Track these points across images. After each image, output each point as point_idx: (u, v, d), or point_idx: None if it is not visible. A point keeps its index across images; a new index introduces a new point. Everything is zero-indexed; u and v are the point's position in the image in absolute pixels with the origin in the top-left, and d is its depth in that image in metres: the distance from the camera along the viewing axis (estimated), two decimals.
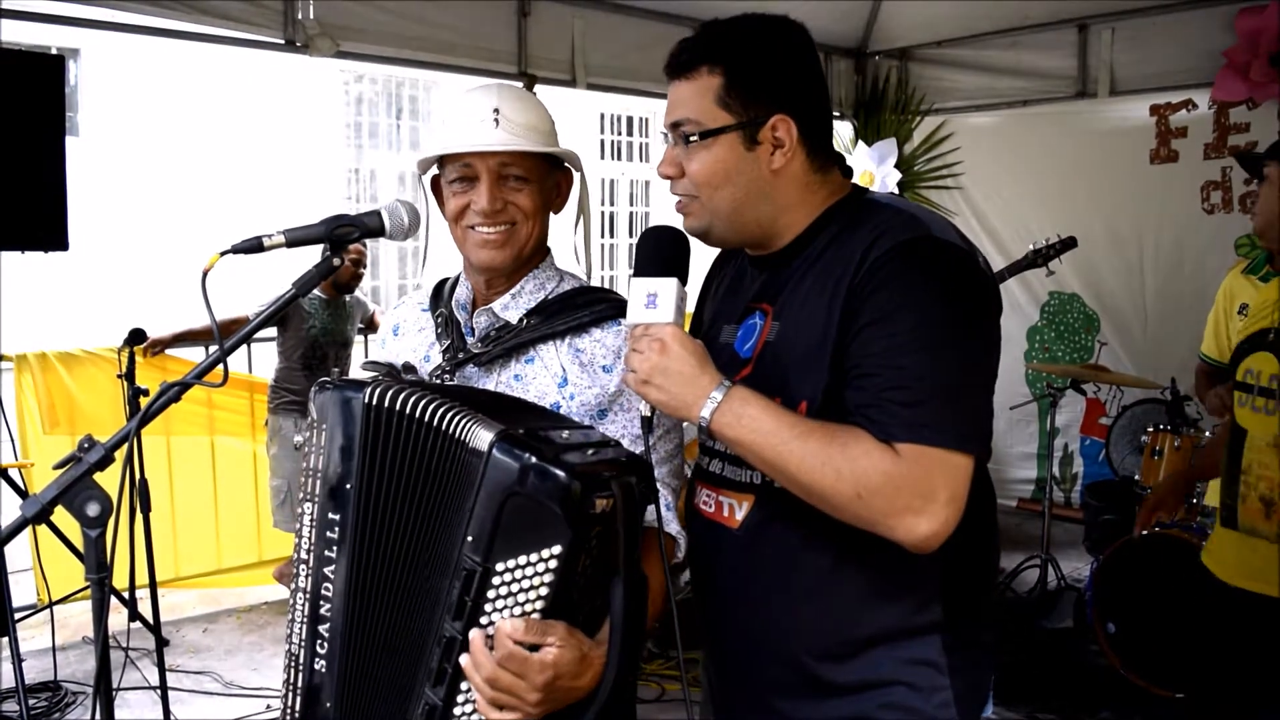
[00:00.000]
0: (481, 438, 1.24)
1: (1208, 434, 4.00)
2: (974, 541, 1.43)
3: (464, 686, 1.27)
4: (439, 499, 1.29)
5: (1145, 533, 3.89)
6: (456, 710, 1.29)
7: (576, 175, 1.66)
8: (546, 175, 1.59)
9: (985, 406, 1.36)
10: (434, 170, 1.63)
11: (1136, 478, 4.27)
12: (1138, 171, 5.53)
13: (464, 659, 1.25)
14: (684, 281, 1.42)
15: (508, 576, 1.22)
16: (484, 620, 1.24)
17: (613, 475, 1.24)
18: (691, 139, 1.43)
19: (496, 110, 1.52)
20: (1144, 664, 3.76)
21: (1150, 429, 4.25)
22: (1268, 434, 2.43)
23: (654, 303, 1.39)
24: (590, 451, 1.28)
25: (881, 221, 1.39)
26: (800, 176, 1.46)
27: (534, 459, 1.20)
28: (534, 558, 1.21)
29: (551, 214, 1.64)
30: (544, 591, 1.22)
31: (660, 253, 1.42)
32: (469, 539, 1.24)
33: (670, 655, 4.12)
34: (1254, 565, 2.45)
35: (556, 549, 1.20)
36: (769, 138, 1.42)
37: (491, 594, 1.23)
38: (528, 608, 1.23)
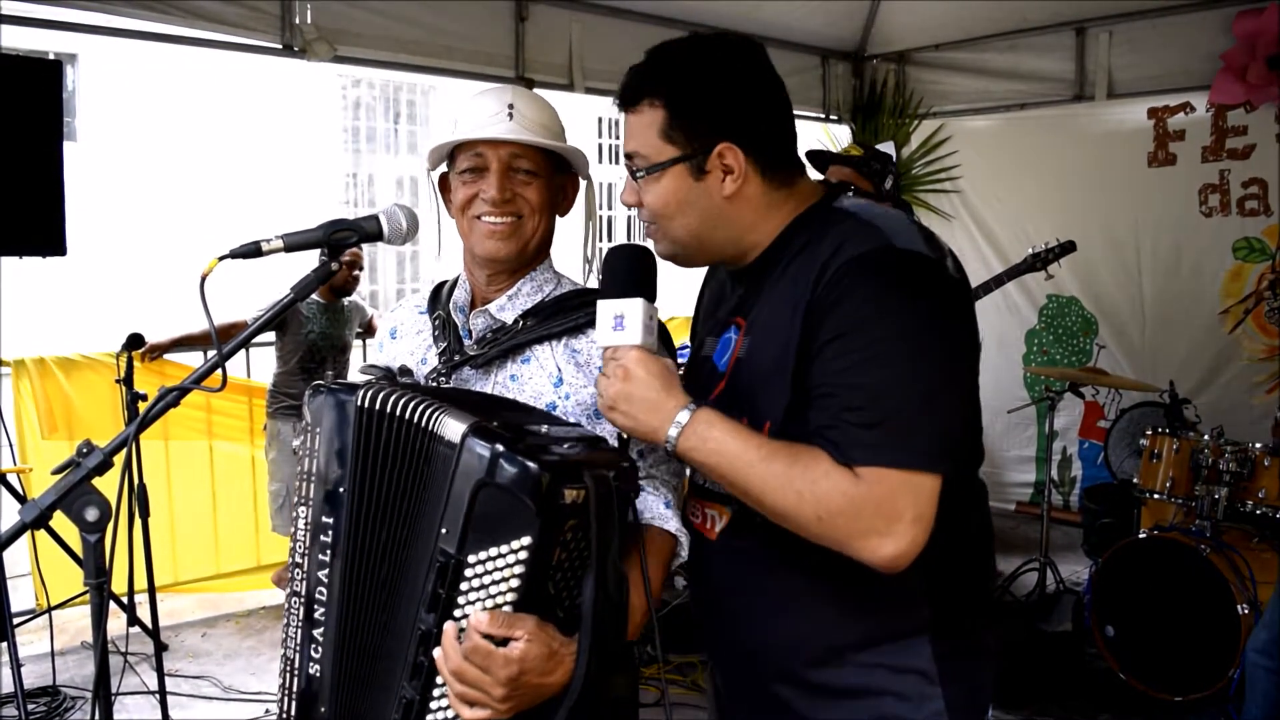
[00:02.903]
0: (455, 429, 1.25)
1: (1206, 437, 4.01)
2: (960, 543, 1.42)
3: (439, 680, 1.27)
4: (420, 495, 1.30)
5: (1144, 535, 3.90)
6: (432, 704, 1.29)
7: (584, 181, 1.67)
8: (554, 174, 1.61)
9: (953, 419, 1.32)
10: (443, 168, 1.65)
11: (1135, 481, 4.27)
12: (1135, 174, 5.53)
13: (436, 652, 1.25)
14: (652, 299, 1.41)
15: (479, 569, 1.23)
16: (457, 613, 1.24)
17: (586, 467, 1.23)
18: (638, 174, 1.44)
19: (511, 106, 1.55)
20: (1143, 667, 3.76)
21: (1149, 432, 4.25)
22: None
23: (621, 324, 1.38)
24: (567, 445, 1.28)
25: (843, 232, 1.36)
26: (756, 198, 1.44)
27: (504, 448, 1.20)
28: (504, 549, 1.21)
29: (558, 217, 1.65)
30: (515, 584, 1.22)
31: (626, 273, 1.42)
32: (443, 531, 1.25)
33: (670, 660, 4.12)
34: None
35: (526, 540, 1.20)
36: (717, 166, 1.41)
37: (464, 586, 1.23)
38: (499, 600, 1.23)
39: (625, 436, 1.41)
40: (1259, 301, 5.20)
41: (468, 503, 1.22)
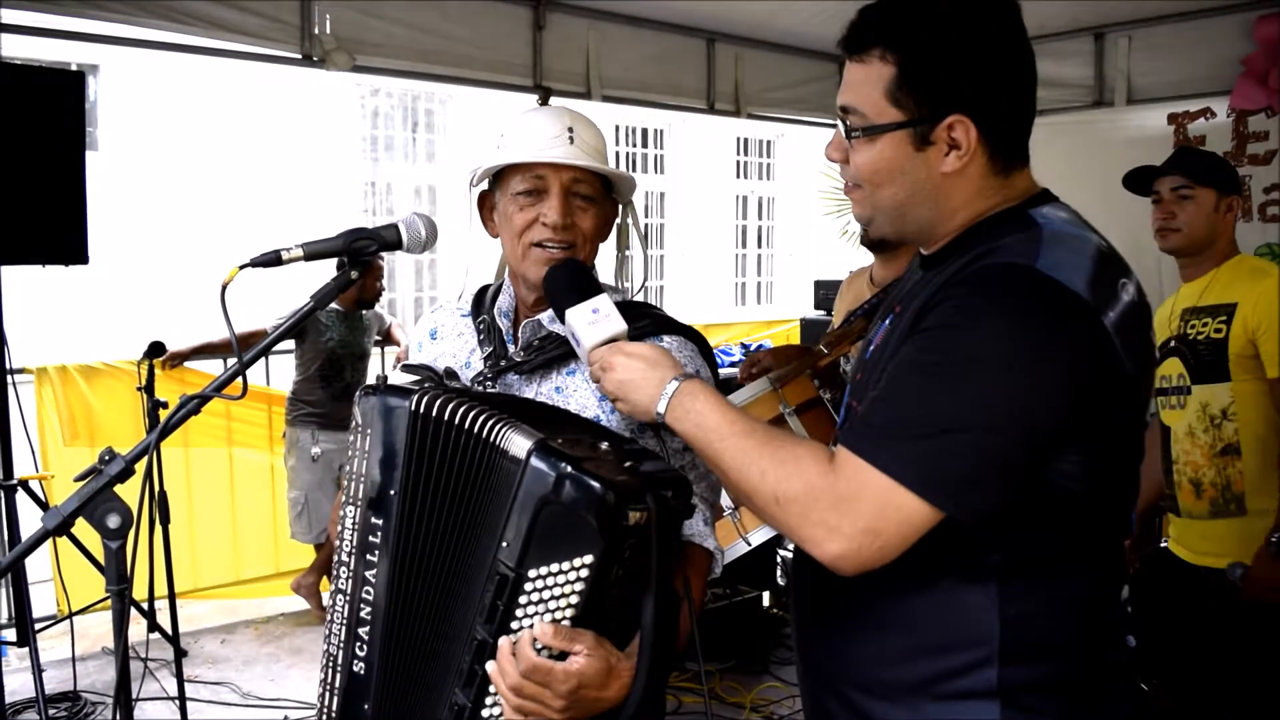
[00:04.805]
0: (520, 445, 1.25)
1: None
2: (1055, 611, 1.30)
3: (492, 689, 1.29)
4: (478, 505, 1.30)
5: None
6: (484, 713, 1.30)
7: (623, 207, 1.68)
8: (604, 201, 1.61)
9: (981, 458, 1.16)
10: (483, 185, 1.65)
11: None
12: None
13: (490, 666, 1.26)
14: (600, 292, 1.45)
15: (540, 584, 1.24)
16: (514, 625, 1.26)
17: (648, 489, 1.24)
18: (854, 134, 1.30)
19: (571, 129, 1.55)
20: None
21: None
22: (1182, 425, 2.89)
23: (597, 319, 1.41)
24: (628, 464, 1.28)
25: (1007, 243, 1.24)
26: (975, 181, 1.30)
27: (570, 469, 1.21)
28: (566, 566, 1.22)
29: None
30: (574, 600, 1.23)
31: (578, 280, 1.46)
32: (504, 545, 1.26)
33: (687, 668, 4.11)
34: (1194, 543, 2.98)
35: (588, 558, 1.21)
36: (944, 138, 1.26)
37: (523, 600, 1.25)
38: (558, 615, 1.24)
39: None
40: None
41: (530, 519, 1.23)
